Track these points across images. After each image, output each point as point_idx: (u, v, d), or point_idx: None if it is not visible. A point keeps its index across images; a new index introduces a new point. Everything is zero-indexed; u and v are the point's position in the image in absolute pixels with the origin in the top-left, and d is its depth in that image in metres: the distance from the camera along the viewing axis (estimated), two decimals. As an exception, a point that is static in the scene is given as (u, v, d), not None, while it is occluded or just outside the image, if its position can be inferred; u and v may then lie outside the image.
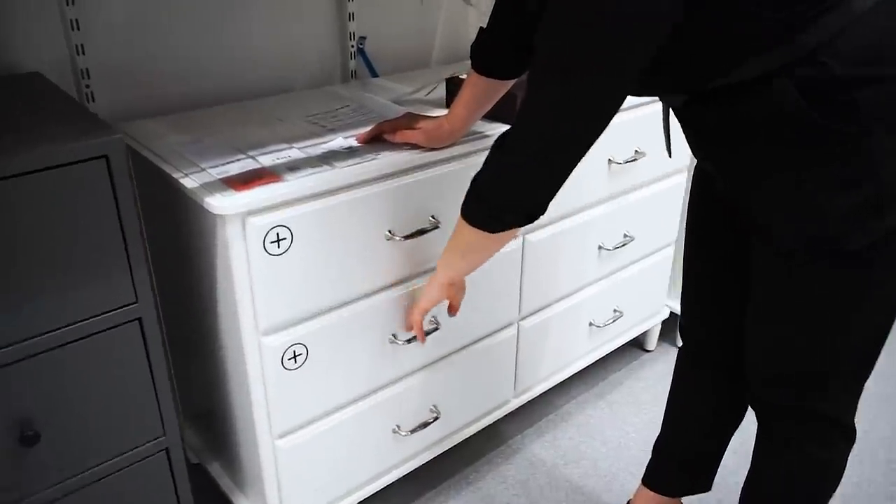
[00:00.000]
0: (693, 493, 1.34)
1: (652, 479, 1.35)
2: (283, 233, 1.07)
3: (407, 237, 1.21)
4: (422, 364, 1.37)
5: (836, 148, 0.80)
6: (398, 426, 1.38)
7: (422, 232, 1.23)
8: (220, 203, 1.01)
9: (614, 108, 0.84)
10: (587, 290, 1.68)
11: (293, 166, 1.12)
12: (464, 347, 1.44)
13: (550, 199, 0.92)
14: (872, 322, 0.91)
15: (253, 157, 1.15)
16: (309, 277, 1.13)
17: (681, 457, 1.32)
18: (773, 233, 0.90)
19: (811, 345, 0.95)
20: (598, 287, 1.70)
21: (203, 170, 1.11)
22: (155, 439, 1.14)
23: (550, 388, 1.74)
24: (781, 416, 1.05)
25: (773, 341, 0.98)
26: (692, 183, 1.15)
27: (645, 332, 2.02)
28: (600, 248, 1.63)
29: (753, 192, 0.89)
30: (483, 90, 1.18)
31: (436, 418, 1.44)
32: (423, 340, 1.22)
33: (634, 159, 1.59)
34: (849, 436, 1.03)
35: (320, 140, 1.23)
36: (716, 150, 0.93)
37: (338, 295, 1.18)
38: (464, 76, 1.40)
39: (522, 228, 1.07)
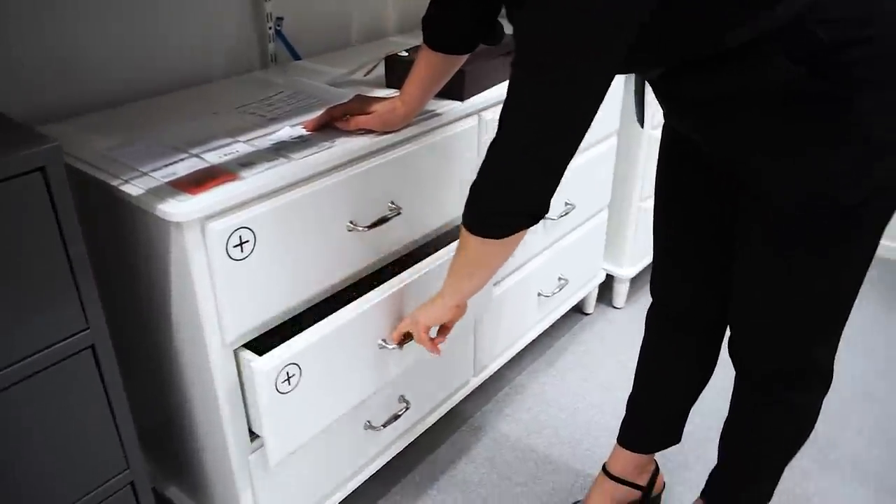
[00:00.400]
0: (666, 448, 1.37)
1: (628, 438, 1.37)
2: (246, 235, 0.99)
3: (370, 227, 1.16)
4: (401, 361, 1.32)
5: (827, 109, 0.81)
6: (369, 422, 1.34)
7: (384, 220, 1.18)
8: (176, 209, 0.92)
9: (604, 90, 0.81)
10: (534, 262, 1.68)
11: (245, 162, 1.04)
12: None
13: (551, 194, 0.89)
14: (855, 275, 0.95)
15: (198, 156, 1.06)
16: (274, 280, 1.05)
17: (656, 416, 1.34)
18: (772, 195, 0.91)
19: (800, 301, 0.98)
20: (543, 257, 1.71)
21: (145, 174, 1.00)
22: (119, 474, 1.05)
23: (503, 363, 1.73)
24: (766, 368, 1.09)
25: (764, 300, 1.01)
26: (661, 148, 1.15)
27: (584, 297, 2.05)
28: (545, 218, 1.63)
29: (750, 158, 0.90)
30: (436, 67, 1.13)
31: (406, 409, 1.40)
32: (440, 352, 1.15)
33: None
34: (827, 380, 1.08)
35: (265, 131, 1.15)
36: (705, 122, 0.93)
37: (304, 295, 1.11)
38: (403, 53, 1.35)
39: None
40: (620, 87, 1.76)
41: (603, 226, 1.92)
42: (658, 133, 1.90)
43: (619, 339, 2.01)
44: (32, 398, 0.90)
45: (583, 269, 1.90)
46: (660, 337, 1.28)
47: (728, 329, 1.13)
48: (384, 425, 1.35)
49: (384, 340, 1.18)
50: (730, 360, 1.14)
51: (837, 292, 0.97)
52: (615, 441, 1.39)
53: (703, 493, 1.31)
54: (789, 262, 0.96)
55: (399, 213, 1.20)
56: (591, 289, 2.01)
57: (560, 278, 1.80)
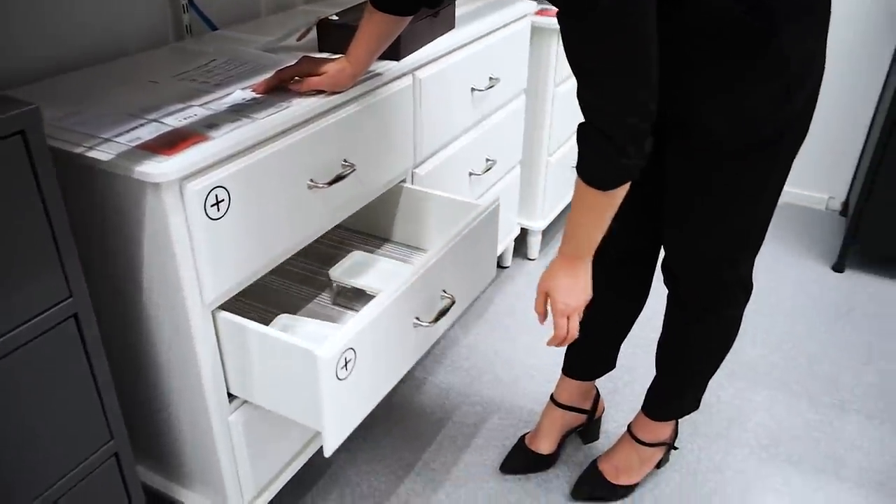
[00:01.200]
0: (605, 374, 1.51)
1: (572, 368, 1.49)
2: (222, 194, 1.00)
3: (329, 184, 1.19)
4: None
5: (757, 45, 0.95)
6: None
7: (340, 177, 1.22)
8: (155, 170, 0.92)
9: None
10: (462, 217, 1.77)
11: (210, 124, 1.04)
12: (377, 289, 1.46)
13: (654, 97, 0.93)
14: (772, 198, 1.11)
15: (157, 121, 1.05)
16: (247, 239, 1.07)
17: (598, 347, 1.47)
18: (711, 131, 1.04)
19: (730, 225, 1.12)
20: (470, 213, 1.80)
21: (107, 140, 0.99)
22: (104, 445, 1.03)
23: (442, 317, 1.81)
24: (699, 289, 1.23)
25: (696, 225, 1.14)
26: None
27: (502, 251, 2.16)
28: (471, 174, 1.71)
29: (694, 99, 1.02)
30: (382, 28, 1.18)
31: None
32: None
33: (491, 86, 1.68)
34: (748, 292, 1.24)
35: (215, 95, 1.15)
36: (663, 69, 1.03)
37: (273, 254, 1.13)
38: (334, 17, 1.38)
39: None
40: (526, 48, 1.87)
41: (517, 181, 2.03)
42: (563, 90, 2.04)
43: (538, 287, 2.14)
44: (15, 372, 0.88)
45: (502, 224, 2.01)
46: (605, 274, 1.39)
47: (661, 259, 1.27)
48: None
49: (418, 318, 1.19)
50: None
51: (758, 214, 1.13)
52: (550, 377, 1.51)
53: (643, 407, 1.46)
54: (719, 190, 1.09)
55: (354, 170, 1.25)
56: (508, 243, 2.12)
57: (484, 233, 1.90)
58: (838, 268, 2.26)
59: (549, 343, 1.15)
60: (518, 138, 1.96)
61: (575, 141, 1.08)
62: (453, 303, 1.25)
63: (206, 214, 0.99)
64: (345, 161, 1.24)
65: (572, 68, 0.93)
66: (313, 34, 1.43)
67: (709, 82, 1.01)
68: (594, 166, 0.97)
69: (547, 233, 2.34)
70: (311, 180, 1.17)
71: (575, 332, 1.13)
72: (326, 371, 1.00)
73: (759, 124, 1.02)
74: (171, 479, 1.30)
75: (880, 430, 1.67)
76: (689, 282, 1.24)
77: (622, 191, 0.99)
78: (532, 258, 2.27)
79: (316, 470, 1.52)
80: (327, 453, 1.07)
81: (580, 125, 0.97)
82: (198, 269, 1.01)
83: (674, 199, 1.17)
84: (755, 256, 1.20)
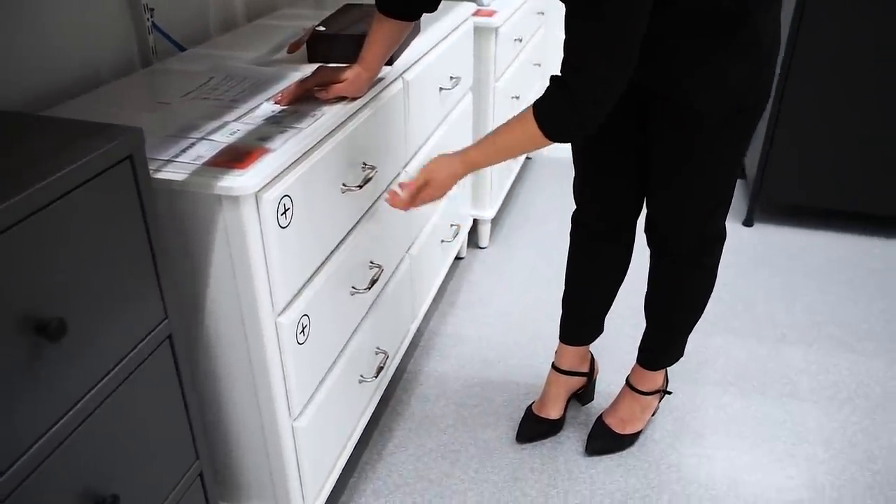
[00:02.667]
0: (596, 338, 1.65)
1: (569, 335, 1.62)
2: (288, 203, 1.04)
3: (360, 186, 1.24)
4: (369, 306, 1.42)
5: (732, 26, 1.11)
6: (363, 376, 1.42)
7: (368, 179, 1.27)
8: (236, 183, 0.94)
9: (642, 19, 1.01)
10: (436, 213, 1.85)
11: (261, 137, 1.07)
12: (386, 284, 1.52)
13: (626, 78, 1.04)
14: (740, 160, 1.29)
15: (206, 139, 1.06)
16: (305, 244, 1.11)
17: (589, 314, 1.60)
18: (693, 103, 1.19)
19: (710, 185, 1.29)
20: (441, 208, 1.88)
21: (169, 161, 1.00)
22: (191, 466, 1.04)
23: (426, 309, 1.89)
24: (683, 244, 1.39)
25: (682, 190, 1.30)
26: None
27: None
28: (442, 170, 1.80)
29: (679, 74, 1.16)
30: (392, 34, 1.24)
31: (386, 358, 1.50)
32: (406, 208, 1.19)
33: (455, 85, 1.77)
34: (724, 240, 1.42)
35: (243, 110, 1.17)
36: (656, 52, 1.16)
37: (322, 256, 1.17)
38: (321, 28, 1.43)
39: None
40: (471, 47, 1.97)
41: (470, 176, 2.14)
42: (503, 85, 2.17)
43: (497, 271, 2.26)
44: (120, 407, 0.87)
45: (462, 214, 2.11)
46: (585, 246, 1.53)
47: (646, 221, 1.42)
48: (375, 376, 1.45)
49: (354, 287, 1.26)
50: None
51: (732, 173, 1.30)
52: (533, 351, 1.63)
53: (638, 360, 1.61)
54: (702, 155, 1.25)
55: (375, 171, 1.30)
56: (464, 233, 2.23)
57: (452, 225, 1.99)
58: (748, 223, 2.54)
59: (392, 201, 1.18)
60: (468, 133, 2.06)
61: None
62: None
63: (278, 223, 1.02)
64: (364, 163, 1.29)
65: (567, 32, 1.05)
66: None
67: (693, 58, 1.16)
68: (553, 113, 1.08)
69: (496, 221, 2.47)
70: (344, 184, 1.22)
71: (415, 201, 1.18)
72: (286, 335, 1.08)
73: (738, 94, 1.19)
74: (224, 497, 1.29)
75: (818, 353, 1.92)
76: (674, 238, 1.39)
77: (548, 144, 1.11)
78: (483, 246, 2.39)
79: (345, 471, 1.55)
80: (294, 414, 1.11)
81: (555, 76, 1.08)
82: (270, 277, 1.04)
83: (660, 166, 1.32)
84: (727, 211, 1.37)
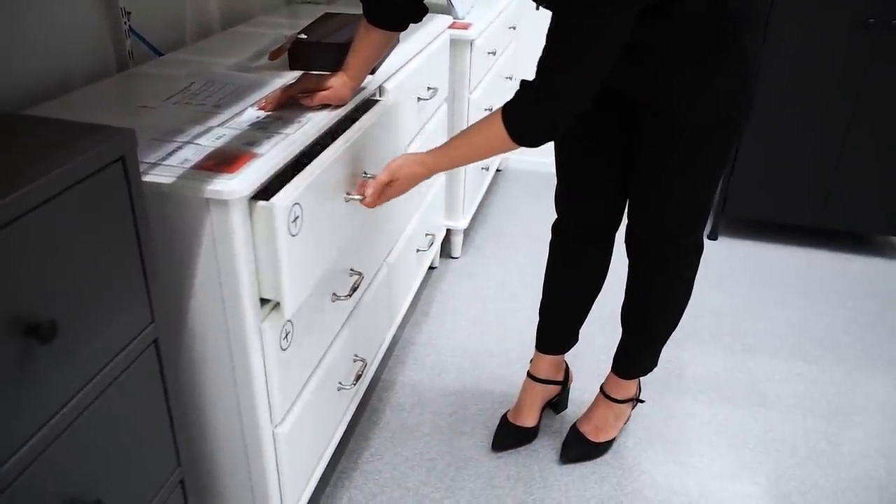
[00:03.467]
0: (572, 347, 1.67)
1: (546, 344, 1.64)
2: (298, 211, 1.03)
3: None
4: (349, 313, 1.42)
5: (722, 41, 1.15)
6: (341, 383, 1.42)
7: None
8: (226, 187, 0.94)
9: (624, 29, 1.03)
10: (412, 222, 1.86)
11: (247, 142, 1.07)
12: (365, 291, 1.52)
13: (593, 92, 1.07)
14: (723, 171, 1.32)
15: (191, 143, 1.06)
16: (311, 254, 1.11)
17: (566, 322, 1.63)
18: (681, 115, 1.22)
19: (691, 196, 1.32)
20: (418, 215, 1.89)
21: (156, 164, 0.99)
22: (173, 473, 1.03)
23: (401, 318, 1.89)
24: (662, 254, 1.42)
25: (664, 201, 1.33)
26: None
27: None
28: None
29: (669, 87, 1.20)
30: (378, 44, 1.26)
31: (364, 365, 1.50)
32: (372, 205, 1.18)
33: (432, 96, 1.79)
34: (701, 252, 1.45)
35: (227, 115, 1.17)
36: (645, 62, 1.20)
37: (326, 266, 1.17)
38: (303, 36, 1.43)
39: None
40: (447, 59, 2.00)
41: (443, 186, 2.16)
42: (477, 96, 2.19)
43: (469, 281, 2.28)
44: (104, 413, 0.86)
45: (436, 224, 2.12)
46: (565, 254, 1.56)
47: (626, 230, 1.45)
48: (353, 384, 1.45)
49: (347, 193, 1.23)
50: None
51: (713, 184, 1.34)
52: (507, 360, 1.65)
53: (613, 368, 1.64)
54: (685, 165, 1.29)
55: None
56: (438, 243, 2.24)
57: (427, 234, 2.00)
58: (713, 236, 2.61)
59: (363, 202, 1.18)
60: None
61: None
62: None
63: (289, 231, 1.02)
64: (365, 173, 1.30)
65: (549, 38, 1.06)
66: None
67: (681, 69, 1.19)
68: (519, 113, 1.09)
69: (468, 232, 2.49)
70: (347, 192, 1.22)
71: (380, 197, 1.18)
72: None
73: (723, 107, 1.22)
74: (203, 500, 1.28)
75: (782, 362, 1.98)
76: (655, 248, 1.43)
77: (513, 147, 1.12)
78: (456, 256, 2.40)
79: (323, 479, 1.54)
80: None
81: (525, 79, 1.10)
82: (281, 284, 1.04)
83: (644, 176, 1.34)
84: (706, 223, 1.41)
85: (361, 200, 1.17)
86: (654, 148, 1.30)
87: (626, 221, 1.45)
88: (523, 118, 1.09)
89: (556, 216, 1.55)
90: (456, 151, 1.16)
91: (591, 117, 1.35)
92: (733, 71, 1.19)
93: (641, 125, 1.30)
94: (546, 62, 1.06)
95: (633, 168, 1.36)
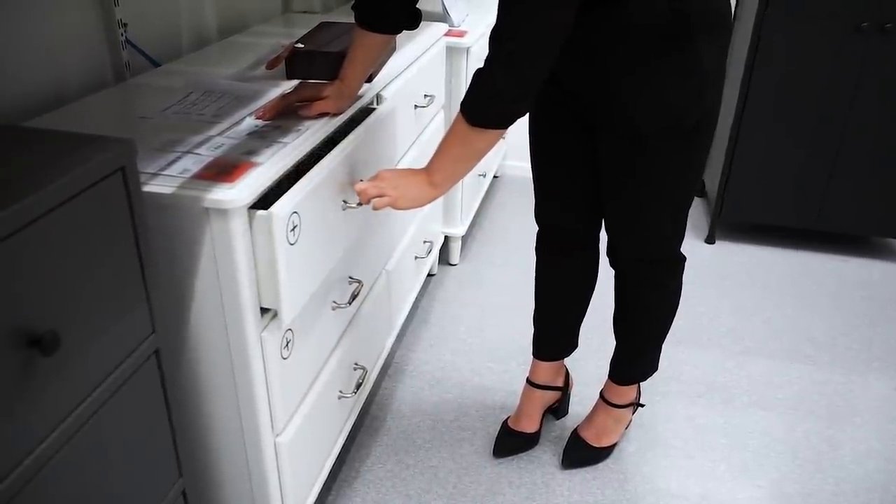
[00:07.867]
0: (571, 353, 1.67)
1: (543, 352, 1.64)
2: (296, 220, 1.04)
3: (359, 204, 1.24)
4: (349, 321, 1.42)
5: (678, 45, 1.13)
6: (342, 391, 1.42)
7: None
8: (227, 197, 0.94)
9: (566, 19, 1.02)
10: (410, 230, 1.86)
11: (246, 151, 1.07)
12: (364, 299, 1.52)
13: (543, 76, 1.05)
14: (693, 183, 1.31)
15: (191, 153, 1.06)
16: (308, 263, 1.11)
17: (561, 328, 1.63)
18: (636, 121, 1.20)
19: (657, 206, 1.31)
20: (415, 225, 1.89)
21: (156, 174, 0.99)
22: (174, 484, 1.02)
23: (400, 326, 1.89)
24: (639, 266, 1.42)
25: (629, 210, 1.31)
26: (536, 117, 1.40)
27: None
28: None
29: (621, 93, 1.18)
30: (372, 48, 1.25)
31: (364, 373, 1.50)
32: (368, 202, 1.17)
33: (429, 103, 1.80)
34: (682, 263, 1.45)
35: (225, 125, 1.17)
36: (593, 58, 1.18)
37: (323, 275, 1.17)
38: (300, 45, 1.44)
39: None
40: (443, 66, 2.00)
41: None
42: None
43: (468, 287, 2.28)
44: (104, 425, 0.86)
45: (434, 231, 2.12)
46: (549, 261, 1.55)
47: (607, 243, 1.44)
48: (354, 391, 1.44)
49: (345, 201, 1.23)
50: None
51: (684, 197, 1.32)
52: (507, 367, 1.65)
53: (609, 375, 1.64)
54: (644, 173, 1.27)
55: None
56: (436, 250, 2.24)
57: (425, 241, 2.00)
58: (710, 240, 2.62)
59: (360, 192, 1.16)
60: (440, 151, 2.08)
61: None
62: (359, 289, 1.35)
63: (287, 240, 1.02)
64: (360, 180, 1.30)
65: (501, 14, 1.03)
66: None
67: (631, 73, 1.17)
68: (472, 90, 1.07)
69: (465, 239, 2.49)
70: (344, 201, 1.22)
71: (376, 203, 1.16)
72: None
73: (676, 114, 1.20)
74: (202, 517, 1.27)
75: (780, 365, 1.98)
76: (631, 257, 1.42)
77: (487, 136, 1.09)
78: (454, 263, 2.41)
79: (324, 488, 1.54)
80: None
81: (479, 69, 1.07)
82: (279, 293, 1.04)
83: (607, 184, 1.33)
84: (682, 236, 1.40)
85: (359, 195, 1.15)
86: (614, 155, 1.28)
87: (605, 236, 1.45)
88: (478, 95, 1.06)
89: (543, 225, 1.55)
90: (446, 163, 1.14)
91: (557, 123, 1.35)
92: (685, 79, 1.16)
93: (602, 136, 1.29)
94: (495, 29, 1.04)
95: (601, 182, 1.36)
